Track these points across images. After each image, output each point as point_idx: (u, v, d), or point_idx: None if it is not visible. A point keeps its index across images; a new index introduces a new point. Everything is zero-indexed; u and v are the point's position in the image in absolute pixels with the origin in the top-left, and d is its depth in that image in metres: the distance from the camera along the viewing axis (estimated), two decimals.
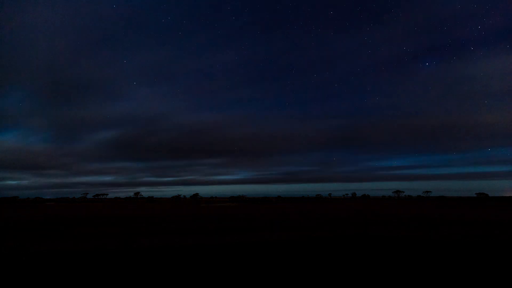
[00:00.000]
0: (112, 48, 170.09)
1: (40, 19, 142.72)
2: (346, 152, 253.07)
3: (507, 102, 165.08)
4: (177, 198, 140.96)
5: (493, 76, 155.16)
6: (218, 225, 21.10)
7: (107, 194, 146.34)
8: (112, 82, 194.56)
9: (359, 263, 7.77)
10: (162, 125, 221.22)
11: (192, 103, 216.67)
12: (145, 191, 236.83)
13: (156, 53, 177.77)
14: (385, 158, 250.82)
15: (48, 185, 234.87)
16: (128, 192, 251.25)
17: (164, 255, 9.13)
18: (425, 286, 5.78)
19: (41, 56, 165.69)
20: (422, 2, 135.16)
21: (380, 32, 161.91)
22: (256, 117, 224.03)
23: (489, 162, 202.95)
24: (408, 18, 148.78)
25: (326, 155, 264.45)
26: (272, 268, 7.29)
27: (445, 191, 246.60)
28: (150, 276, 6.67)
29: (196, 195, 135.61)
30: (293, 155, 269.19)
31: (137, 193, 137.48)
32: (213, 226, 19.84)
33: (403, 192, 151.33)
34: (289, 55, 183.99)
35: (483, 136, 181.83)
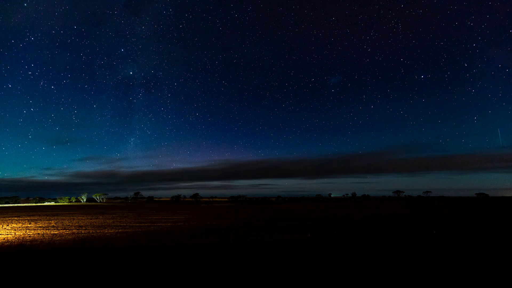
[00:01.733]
0: None
1: None
2: None
3: None
4: (177, 198, 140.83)
5: None
6: None
7: (107, 194, 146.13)
8: None
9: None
10: None
11: None
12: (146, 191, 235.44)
13: None
14: None
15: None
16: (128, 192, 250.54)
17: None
18: None
19: None
20: None
21: None
22: None
23: None
24: None
25: None
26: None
27: (444, 191, 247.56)
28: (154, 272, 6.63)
29: (196, 195, 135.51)
30: None
31: (137, 193, 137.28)
32: None
33: (403, 192, 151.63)
34: None
35: None
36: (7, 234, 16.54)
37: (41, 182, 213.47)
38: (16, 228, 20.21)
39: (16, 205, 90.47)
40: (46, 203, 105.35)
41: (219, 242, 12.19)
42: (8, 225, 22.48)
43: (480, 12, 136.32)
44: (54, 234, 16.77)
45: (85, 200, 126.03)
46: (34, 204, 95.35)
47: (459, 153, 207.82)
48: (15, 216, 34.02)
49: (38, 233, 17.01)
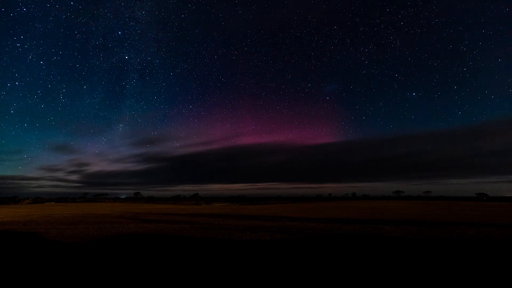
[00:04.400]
0: None
1: None
2: None
3: None
4: (177, 198, 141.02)
5: None
6: None
7: (107, 194, 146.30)
8: None
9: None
10: None
11: None
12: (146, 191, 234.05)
13: None
14: None
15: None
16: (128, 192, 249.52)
17: None
18: None
19: None
20: None
21: None
22: None
23: None
24: None
25: None
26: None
27: (444, 191, 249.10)
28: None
29: (196, 195, 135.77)
30: None
31: (137, 193, 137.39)
32: None
33: (403, 192, 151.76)
34: None
35: None
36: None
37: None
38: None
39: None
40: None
41: None
42: None
43: (473, 38, 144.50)
44: None
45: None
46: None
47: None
48: None
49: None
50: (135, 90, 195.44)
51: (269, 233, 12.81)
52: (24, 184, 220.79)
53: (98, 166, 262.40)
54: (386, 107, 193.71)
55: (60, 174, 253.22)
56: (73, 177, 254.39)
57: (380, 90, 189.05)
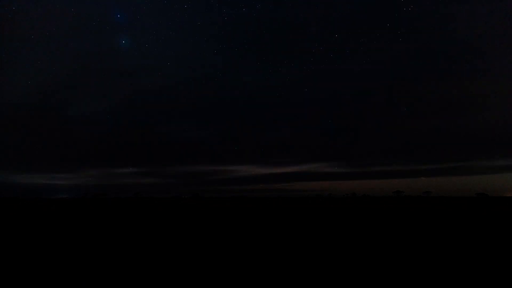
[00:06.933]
0: None
1: None
2: None
3: None
4: (177, 198, 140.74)
5: None
6: None
7: (107, 194, 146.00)
8: None
9: None
10: None
11: None
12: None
13: None
14: None
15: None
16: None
17: None
18: None
19: None
20: None
21: None
22: None
23: None
24: None
25: None
26: None
27: (445, 191, 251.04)
28: None
29: (196, 195, 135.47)
30: None
31: (137, 193, 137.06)
32: None
33: (403, 192, 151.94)
34: None
35: None
36: None
37: None
38: None
39: None
40: None
41: None
42: None
43: (465, 65, 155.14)
44: None
45: None
46: None
47: None
48: None
49: None
50: (130, 77, 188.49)
51: None
52: None
53: None
54: (379, 119, 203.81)
55: None
56: None
57: (373, 102, 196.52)
